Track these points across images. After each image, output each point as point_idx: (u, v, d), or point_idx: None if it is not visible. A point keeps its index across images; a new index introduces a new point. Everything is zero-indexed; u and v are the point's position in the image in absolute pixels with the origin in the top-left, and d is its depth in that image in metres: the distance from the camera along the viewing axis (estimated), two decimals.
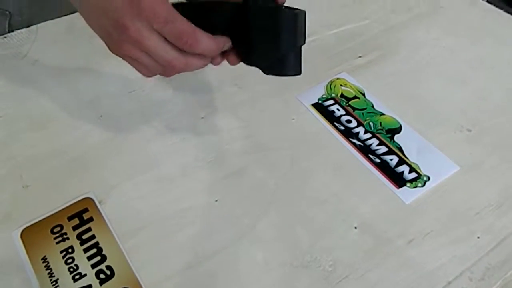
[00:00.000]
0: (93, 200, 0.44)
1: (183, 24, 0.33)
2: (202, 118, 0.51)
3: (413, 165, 0.47)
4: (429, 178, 0.46)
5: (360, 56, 0.60)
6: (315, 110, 0.52)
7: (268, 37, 0.36)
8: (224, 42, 0.36)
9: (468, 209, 0.44)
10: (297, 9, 0.37)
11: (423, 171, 0.46)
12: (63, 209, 0.43)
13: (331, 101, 0.53)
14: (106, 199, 0.44)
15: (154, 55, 0.34)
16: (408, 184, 0.45)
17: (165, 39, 0.33)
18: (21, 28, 0.63)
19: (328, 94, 0.54)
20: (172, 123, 0.51)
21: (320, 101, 0.53)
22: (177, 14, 0.33)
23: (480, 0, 0.69)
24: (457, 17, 0.66)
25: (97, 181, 0.45)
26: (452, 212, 0.43)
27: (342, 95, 0.54)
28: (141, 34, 0.32)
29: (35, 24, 0.63)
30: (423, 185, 0.45)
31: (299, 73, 0.38)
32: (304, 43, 0.37)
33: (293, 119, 0.52)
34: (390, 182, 0.45)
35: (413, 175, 0.46)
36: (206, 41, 0.34)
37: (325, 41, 0.62)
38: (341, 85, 0.56)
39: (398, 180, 0.45)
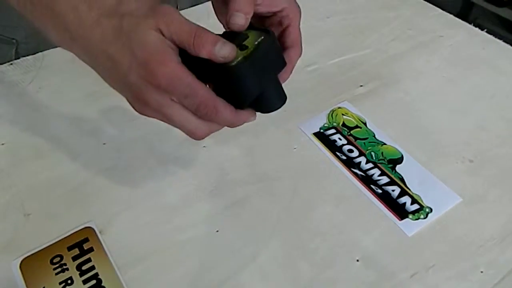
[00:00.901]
0: (93, 230, 0.44)
1: (203, 96, 0.32)
2: (204, 147, 0.51)
3: (415, 196, 0.47)
4: (431, 210, 0.45)
5: (361, 85, 0.60)
6: (317, 139, 0.53)
7: (229, 91, 0.34)
8: (248, 116, 0.35)
9: (471, 242, 0.43)
10: (263, 31, 0.34)
11: (425, 202, 0.46)
12: (63, 238, 0.43)
13: (333, 130, 0.54)
14: (107, 229, 0.44)
15: (176, 123, 0.34)
16: (410, 216, 0.45)
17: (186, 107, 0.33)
18: (28, 55, 0.64)
19: (330, 123, 0.55)
20: (174, 151, 0.51)
21: (322, 130, 0.54)
22: (197, 85, 0.32)
23: (479, 30, 0.70)
24: (457, 47, 0.67)
25: (98, 210, 0.45)
26: (455, 245, 0.43)
27: (343, 124, 0.55)
28: (162, 105, 0.32)
29: (41, 51, 0.64)
30: (426, 217, 0.45)
31: (284, 102, 0.36)
32: (280, 69, 0.35)
33: (295, 148, 0.52)
34: (392, 213, 0.45)
35: (415, 206, 0.46)
36: (227, 114, 0.33)
37: (326, 70, 0.63)
38: (342, 114, 0.56)
39: (400, 212, 0.45)
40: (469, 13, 1.69)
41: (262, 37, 0.34)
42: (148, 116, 0.34)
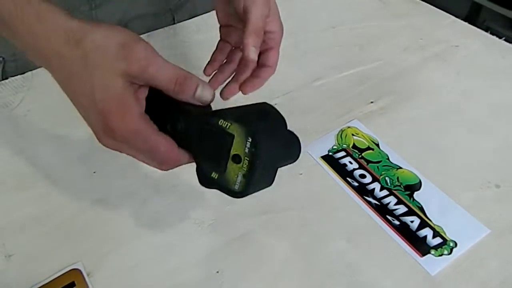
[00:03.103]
0: (81, 272, 0.40)
1: (163, 153, 0.32)
2: None
3: (437, 228, 0.42)
4: (456, 244, 0.41)
5: (372, 102, 0.56)
6: (325, 163, 0.48)
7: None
8: (188, 159, 0.34)
9: (504, 282, 0.38)
10: (271, 109, 0.31)
11: (449, 235, 0.41)
12: (47, 283, 0.39)
13: (343, 153, 0.49)
14: (96, 271, 0.39)
15: (140, 161, 0.34)
16: (432, 252, 0.40)
17: None
18: (16, 74, 0.60)
19: (339, 145, 0.50)
20: (169, 179, 0.47)
21: (330, 153, 0.49)
22: (157, 141, 0.31)
23: (497, 38, 0.65)
24: (473, 57, 0.62)
25: (87, 249, 0.41)
26: (485, 286, 0.38)
27: (354, 146, 0.50)
28: (120, 147, 0.32)
29: (30, 70, 0.60)
30: (450, 253, 0.40)
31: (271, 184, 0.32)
32: (288, 157, 0.34)
33: (301, 174, 0.47)
34: (412, 249, 0.40)
35: (438, 240, 0.41)
36: (185, 161, 0.34)
37: (334, 85, 0.58)
38: (352, 135, 0.51)
39: (421, 247, 0.41)
40: (478, 15, 1.64)
41: (252, 140, 0.27)
42: None
